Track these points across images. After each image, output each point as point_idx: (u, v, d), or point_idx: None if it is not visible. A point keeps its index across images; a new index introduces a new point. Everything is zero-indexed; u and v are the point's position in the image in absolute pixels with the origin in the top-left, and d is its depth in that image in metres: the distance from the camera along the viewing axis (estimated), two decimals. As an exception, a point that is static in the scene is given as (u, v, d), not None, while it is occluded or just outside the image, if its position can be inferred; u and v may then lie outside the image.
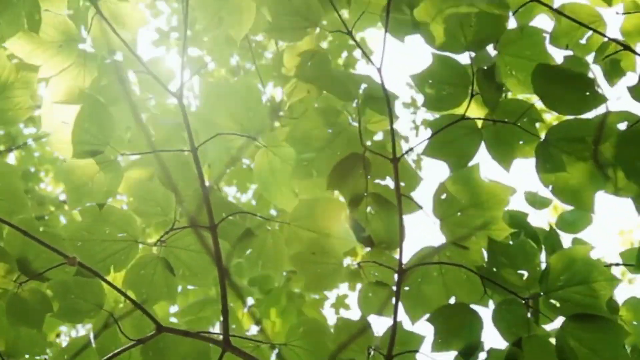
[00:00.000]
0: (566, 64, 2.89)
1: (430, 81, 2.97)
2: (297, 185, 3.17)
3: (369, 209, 3.03)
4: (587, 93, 2.84)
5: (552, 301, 2.77)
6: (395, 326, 2.87)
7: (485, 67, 2.95)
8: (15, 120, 2.99)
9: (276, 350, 3.05)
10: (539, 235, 3.21)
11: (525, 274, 2.82)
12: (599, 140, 2.86)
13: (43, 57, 3.18)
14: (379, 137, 2.96)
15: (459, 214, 2.97)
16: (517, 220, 3.18)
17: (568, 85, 2.86)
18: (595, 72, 2.99)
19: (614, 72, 3.13)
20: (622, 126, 2.87)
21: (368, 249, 3.06)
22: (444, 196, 2.97)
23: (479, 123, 3.02)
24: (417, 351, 2.98)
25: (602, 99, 2.85)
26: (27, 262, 3.02)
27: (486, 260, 2.85)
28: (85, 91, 3.08)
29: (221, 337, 2.99)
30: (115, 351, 3.04)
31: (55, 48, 3.18)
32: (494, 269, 2.82)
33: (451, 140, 3.02)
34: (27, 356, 3.14)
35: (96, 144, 3.07)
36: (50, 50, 3.18)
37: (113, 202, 3.28)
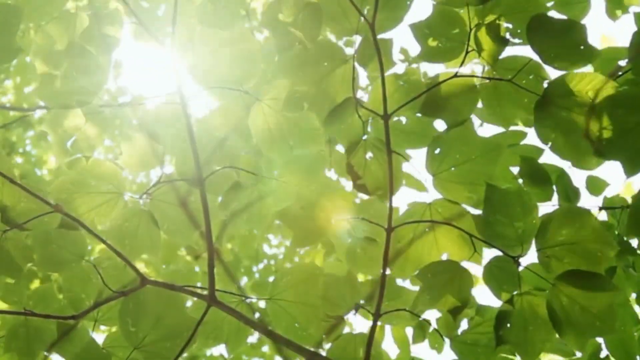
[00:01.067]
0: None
1: (427, 32, 2.90)
2: (292, 137, 3.10)
3: (368, 154, 2.96)
4: (582, 47, 2.77)
5: (547, 258, 2.69)
6: (384, 283, 2.80)
7: (487, 21, 2.87)
8: (1, 61, 2.93)
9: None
10: (551, 174, 3.12)
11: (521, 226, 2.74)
12: (594, 108, 2.78)
13: (33, 5, 3.12)
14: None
15: (453, 169, 2.90)
16: (528, 160, 3.09)
17: (562, 38, 2.78)
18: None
19: (616, 5, 3.05)
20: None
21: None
22: (437, 151, 2.89)
23: (476, 80, 2.94)
24: (405, 309, 2.91)
25: (596, 53, 2.77)
26: (6, 209, 2.96)
27: (483, 207, 2.76)
28: (74, 40, 3.03)
29: (206, 291, 2.92)
30: (98, 302, 2.98)
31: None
32: (490, 218, 2.73)
33: (446, 97, 2.94)
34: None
35: (84, 94, 3.02)
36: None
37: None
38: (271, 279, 8.75)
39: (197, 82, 3.08)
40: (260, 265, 9.08)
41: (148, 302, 2.94)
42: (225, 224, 3.14)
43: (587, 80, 2.76)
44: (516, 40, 2.93)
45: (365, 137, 3.00)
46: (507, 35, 2.92)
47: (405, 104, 2.91)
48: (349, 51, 3.05)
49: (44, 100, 3.04)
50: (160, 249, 3.11)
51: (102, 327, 3.24)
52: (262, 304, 3.06)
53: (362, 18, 2.85)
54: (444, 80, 2.91)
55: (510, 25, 2.93)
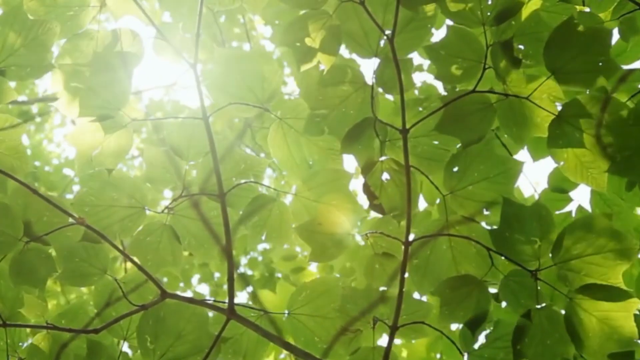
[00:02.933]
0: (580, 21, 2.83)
1: (443, 53, 2.95)
2: (311, 156, 3.15)
3: (384, 175, 3.00)
4: (600, 63, 2.81)
5: (564, 272, 2.73)
6: (401, 297, 2.83)
7: (501, 41, 2.92)
8: (32, 76, 2.99)
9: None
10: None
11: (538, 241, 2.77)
12: (602, 118, 2.82)
13: (58, 20, 3.17)
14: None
15: (470, 187, 2.94)
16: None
17: (580, 54, 2.82)
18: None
19: (630, 30, 3.10)
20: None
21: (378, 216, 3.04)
22: (455, 169, 2.94)
23: (493, 98, 2.98)
24: (423, 322, 2.94)
25: (615, 68, 2.81)
26: (29, 224, 3.01)
27: (499, 223, 2.79)
28: (98, 53, 3.08)
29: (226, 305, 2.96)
30: (118, 317, 3.01)
31: (70, 12, 3.18)
32: (507, 233, 2.77)
33: (463, 115, 2.99)
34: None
35: (107, 108, 3.06)
36: (65, 14, 3.18)
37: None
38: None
39: (218, 99, 3.13)
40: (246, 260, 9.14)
41: (168, 318, 2.97)
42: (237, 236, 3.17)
43: (604, 102, 2.81)
44: (528, 62, 2.98)
45: (382, 158, 3.04)
46: (520, 57, 2.97)
47: (425, 118, 2.95)
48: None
49: (66, 112, 3.08)
50: (181, 263, 3.15)
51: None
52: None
53: (384, 36, 2.89)
54: (462, 96, 2.95)
55: (522, 47, 2.98)
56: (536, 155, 3.61)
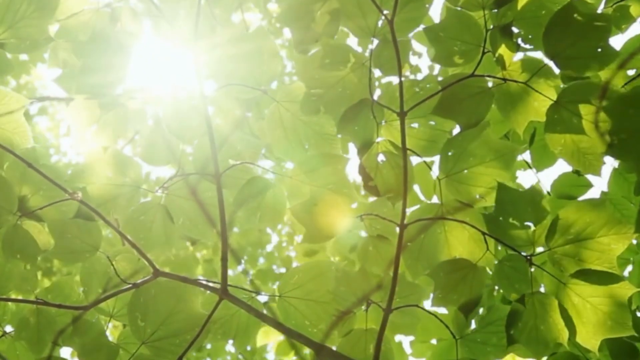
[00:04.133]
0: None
1: (442, 35, 2.93)
2: (307, 140, 3.13)
3: (380, 156, 2.99)
4: (599, 49, 2.79)
5: (558, 257, 2.71)
6: (396, 280, 2.81)
7: (501, 25, 2.90)
8: (31, 49, 2.98)
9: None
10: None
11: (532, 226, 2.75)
12: (601, 105, 2.80)
13: (58, -1, 3.16)
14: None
15: (466, 172, 2.93)
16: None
17: (579, 40, 2.81)
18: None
19: (623, 18, 3.10)
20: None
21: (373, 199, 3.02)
22: (451, 152, 2.92)
23: (491, 82, 2.96)
24: (417, 305, 2.92)
25: (614, 54, 2.79)
26: (25, 199, 2.99)
27: (494, 208, 2.78)
28: (97, 31, 3.07)
29: (218, 285, 2.94)
30: (108, 293, 3.00)
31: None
32: (501, 218, 2.75)
33: (461, 99, 2.97)
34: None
35: (103, 86, 3.05)
36: (64, -8, 3.18)
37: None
38: (275, 267, 8.81)
39: (215, 80, 3.12)
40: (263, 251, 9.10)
41: (159, 297, 2.95)
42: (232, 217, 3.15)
43: (602, 89, 2.79)
44: (527, 46, 2.97)
45: (378, 139, 3.03)
46: (519, 41, 2.96)
47: (423, 101, 2.94)
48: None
49: (64, 89, 3.08)
50: (174, 244, 3.13)
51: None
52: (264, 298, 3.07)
53: (382, 16, 2.88)
54: (460, 80, 2.93)
55: (521, 31, 2.96)
56: (540, 165, 3.61)
